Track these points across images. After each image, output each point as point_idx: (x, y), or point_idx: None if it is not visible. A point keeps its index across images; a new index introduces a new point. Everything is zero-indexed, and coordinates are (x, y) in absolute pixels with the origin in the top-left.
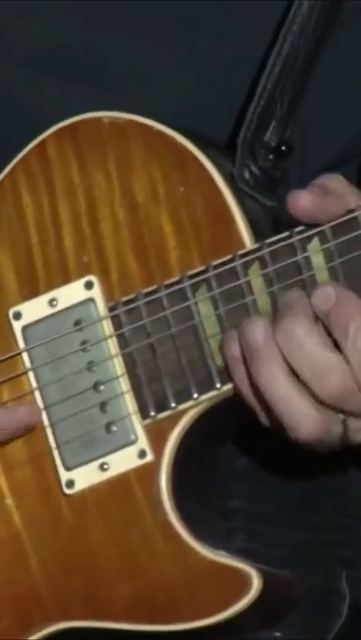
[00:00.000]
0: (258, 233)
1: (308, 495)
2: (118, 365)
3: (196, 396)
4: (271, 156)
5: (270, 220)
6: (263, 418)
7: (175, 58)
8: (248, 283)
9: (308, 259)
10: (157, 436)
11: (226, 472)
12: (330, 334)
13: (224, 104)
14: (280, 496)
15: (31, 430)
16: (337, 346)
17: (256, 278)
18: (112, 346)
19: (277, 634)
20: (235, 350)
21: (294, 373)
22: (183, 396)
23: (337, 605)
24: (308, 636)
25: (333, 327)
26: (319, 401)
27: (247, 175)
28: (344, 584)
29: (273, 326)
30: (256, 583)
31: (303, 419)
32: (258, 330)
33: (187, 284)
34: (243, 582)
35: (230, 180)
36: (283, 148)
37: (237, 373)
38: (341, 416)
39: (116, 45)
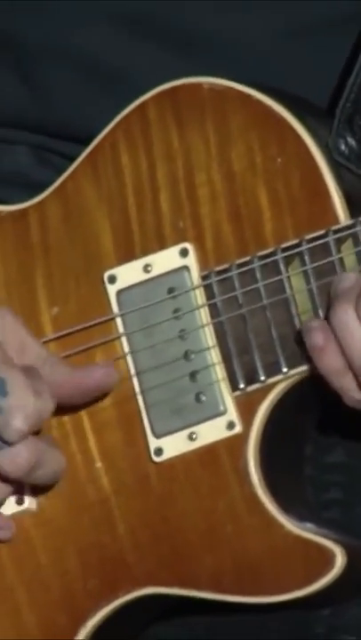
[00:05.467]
0: (353, 205)
1: None
2: (210, 335)
3: (285, 370)
4: None
5: None
6: (349, 398)
7: (271, 23)
8: (341, 260)
9: None
10: (246, 408)
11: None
12: None
13: (321, 73)
14: None
15: (106, 394)
16: None
17: (349, 255)
18: (204, 315)
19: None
20: (316, 339)
21: None
22: (273, 370)
23: None
24: None
25: None
26: None
27: (343, 146)
28: None
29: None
30: (340, 560)
31: None
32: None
33: (280, 256)
34: (326, 559)
35: (326, 151)
36: None
37: (323, 361)
38: None
39: (208, 11)
